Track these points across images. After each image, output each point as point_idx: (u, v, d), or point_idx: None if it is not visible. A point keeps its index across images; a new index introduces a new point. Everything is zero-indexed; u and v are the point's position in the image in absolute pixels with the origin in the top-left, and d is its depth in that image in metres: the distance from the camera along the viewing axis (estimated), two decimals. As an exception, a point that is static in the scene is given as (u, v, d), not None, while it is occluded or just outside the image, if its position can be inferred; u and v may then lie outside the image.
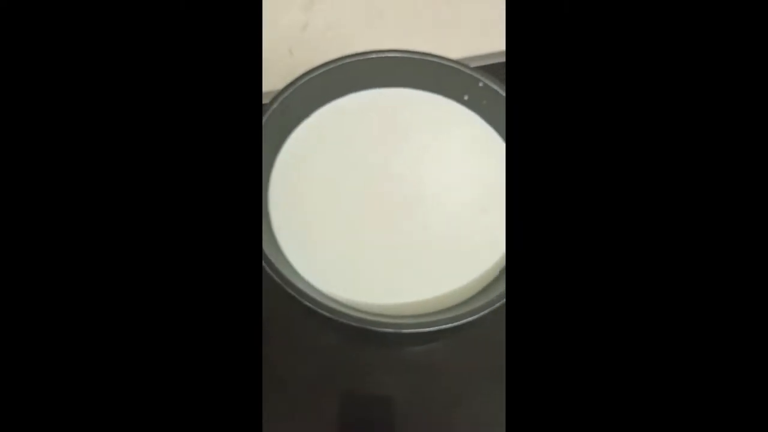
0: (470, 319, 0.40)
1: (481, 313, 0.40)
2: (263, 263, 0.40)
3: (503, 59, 0.61)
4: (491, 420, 0.44)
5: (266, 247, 0.42)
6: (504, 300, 0.40)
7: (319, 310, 0.39)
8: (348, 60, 0.52)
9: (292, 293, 0.40)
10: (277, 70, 0.57)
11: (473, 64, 0.54)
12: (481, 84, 0.51)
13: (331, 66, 0.52)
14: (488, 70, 0.54)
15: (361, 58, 0.52)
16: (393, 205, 0.49)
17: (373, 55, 0.52)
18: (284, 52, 0.61)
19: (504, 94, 0.50)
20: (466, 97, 0.54)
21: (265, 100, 0.49)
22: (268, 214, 0.48)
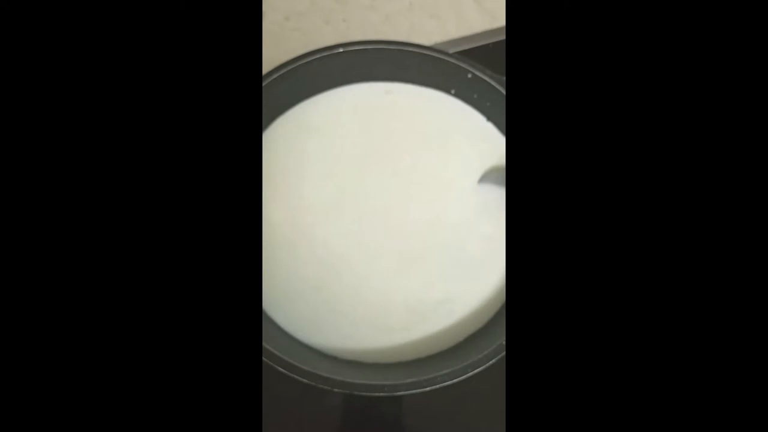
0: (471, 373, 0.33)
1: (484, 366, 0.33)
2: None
3: (486, 41, 0.53)
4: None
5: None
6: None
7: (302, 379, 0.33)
8: (315, 56, 0.44)
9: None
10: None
11: (453, 50, 0.47)
12: (469, 75, 0.44)
13: (296, 64, 0.44)
14: (471, 55, 0.46)
15: (328, 53, 0.44)
16: (377, 241, 0.41)
17: (341, 49, 0.44)
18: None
19: (497, 86, 0.42)
20: (453, 91, 0.46)
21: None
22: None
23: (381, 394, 0.33)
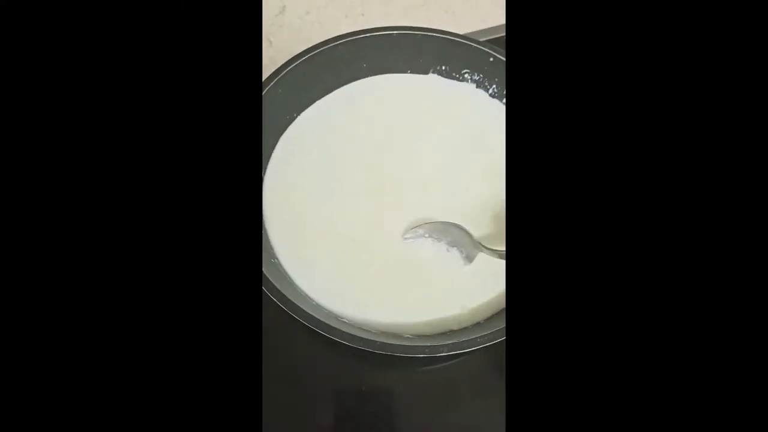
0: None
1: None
2: (265, 290, 0.34)
3: (500, 34, 0.55)
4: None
5: (266, 269, 0.35)
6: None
7: (340, 340, 0.33)
8: (336, 42, 0.45)
9: (304, 321, 0.33)
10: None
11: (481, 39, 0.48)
12: (491, 59, 0.45)
13: (318, 50, 0.45)
14: (497, 43, 0.48)
15: (351, 38, 0.45)
16: (398, 214, 0.42)
17: (366, 35, 0.45)
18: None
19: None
20: (477, 77, 0.47)
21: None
22: (263, 227, 0.41)
23: (422, 355, 0.33)
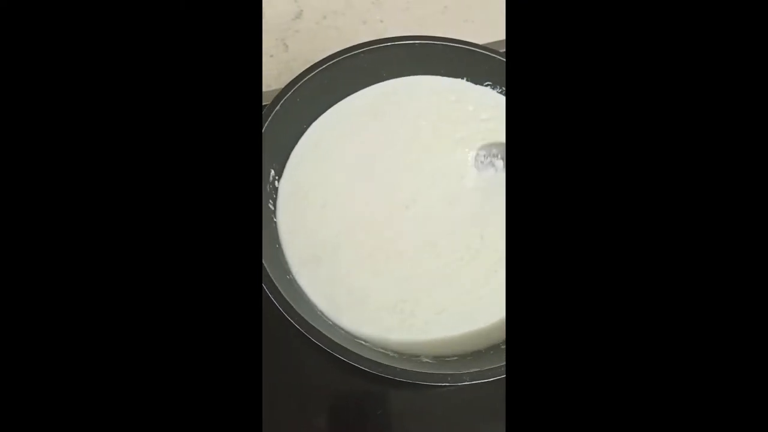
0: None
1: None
2: (281, 309, 0.32)
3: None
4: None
5: (281, 285, 0.34)
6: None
7: (352, 362, 0.31)
8: (355, 52, 0.44)
9: (315, 341, 0.32)
10: (272, 66, 0.49)
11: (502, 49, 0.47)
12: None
13: (336, 60, 0.43)
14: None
15: (371, 47, 0.44)
16: (422, 225, 0.41)
17: (388, 44, 0.44)
18: (276, 46, 0.53)
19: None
20: (499, 89, 0.46)
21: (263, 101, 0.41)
22: (279, 243, 0.40)
23: (444, 384, 0.32)
